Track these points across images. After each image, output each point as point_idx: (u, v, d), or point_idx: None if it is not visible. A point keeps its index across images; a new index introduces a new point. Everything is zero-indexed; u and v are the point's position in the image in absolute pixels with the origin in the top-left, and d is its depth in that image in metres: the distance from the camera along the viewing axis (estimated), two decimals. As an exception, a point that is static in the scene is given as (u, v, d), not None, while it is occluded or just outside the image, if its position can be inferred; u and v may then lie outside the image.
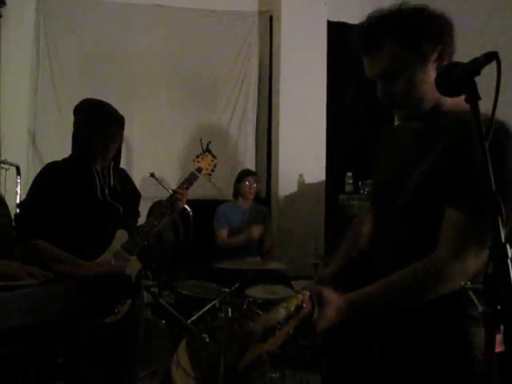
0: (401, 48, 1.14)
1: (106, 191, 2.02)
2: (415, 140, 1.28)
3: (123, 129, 2.07)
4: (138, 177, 3.73)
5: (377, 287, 1.15)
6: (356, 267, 1.44)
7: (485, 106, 0.86)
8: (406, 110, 1.22)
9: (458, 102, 1.02)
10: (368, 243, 1.45)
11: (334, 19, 4.36)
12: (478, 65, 0.84)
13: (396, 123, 1.47)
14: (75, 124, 2.02)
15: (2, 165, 3.56)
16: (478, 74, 0.85)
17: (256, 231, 3.66)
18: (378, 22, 1.18)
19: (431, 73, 1.15)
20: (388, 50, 1.15)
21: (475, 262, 1.04)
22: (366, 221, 1.50)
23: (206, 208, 3.88)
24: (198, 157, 2.40)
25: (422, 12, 1.17)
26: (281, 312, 1.03)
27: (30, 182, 2.04)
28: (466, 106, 0.85)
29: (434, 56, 1.16)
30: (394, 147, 1.39)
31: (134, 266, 1.99)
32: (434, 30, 1.16)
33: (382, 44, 1.15)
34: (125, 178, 2.20)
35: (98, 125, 1.97)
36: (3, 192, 3.49)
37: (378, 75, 1.19)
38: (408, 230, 1.21)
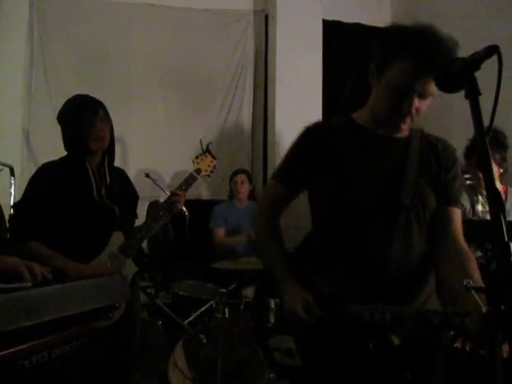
0: None
1: (103, 191, 2.00)
2: (393, 147, 1.35)
3: (105, 109, 2.02)
4: (133, 177, 3.70)
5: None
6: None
7: (482, 104, 0.85)
8: (407, 125, 1.30)
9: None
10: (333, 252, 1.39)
11: (330, 18, 4.36)
12: (478, 59, 0.83)
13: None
14: (61, 124, 2.01)
15: (-4, 166, 3.53)
16: (479, 68, 0.84)
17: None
18: (444, 47, 1.18)
19: None
20: None
21: None
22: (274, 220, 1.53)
23: (202, 208, 3.87)
24: (197, 158, 2.37)
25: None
26: None
27: (24, 182, 2.02)
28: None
29: None
30: (367, 155, 1.36)
31: (129, 269, 1.97)
32: None
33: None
34: (123, 179, 2.17)
35: (77, 106, 1.96)
36: (-3, 193, 3.47)
37: (425, 95, 1.22)
38: (419, 228, 1.31)
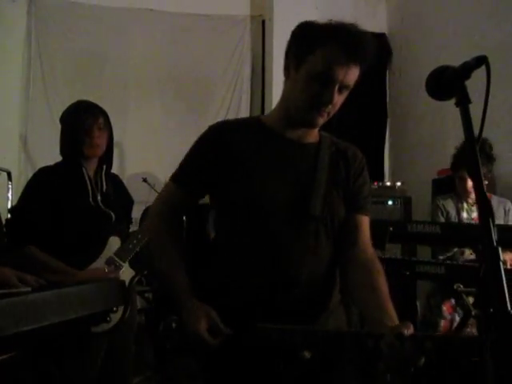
0: (361, 70, 1.21)
1: (99, 197, 2.01)
2: (302, 153, 1.30)
3: (107, 118, 2.04)
4: (130, 181, 3.70)
5: (381, 302, 1.16)
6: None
7: (473, 109, 0.86)
8: (323, 121, 1.24)
9: None
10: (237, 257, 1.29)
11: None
12: (468, 68, 0.85)
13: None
14: (61, 126, 2.03)
15: (-7, 170, 3.54)
16: (469, 77, 0.85)
17: None
18: (367, 40, 1.20)
19: None
20: (359, 69, 1.20)
21: None
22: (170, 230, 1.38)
23: (200, 212, 3.87)
24: None
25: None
26: None
27: (21, 187, 2.03)
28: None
29: None
30: (276, 161, 1.28)
31: (126, 274, 1.98)
32: None
33: (362, 62, 1.19)
34: (118, 184, 2.19)
35: (78, 110, 1.98)
36: (-6, 198, 3.47)
37: (343, 85, 1.19)
38: (327, 240, 1.27)
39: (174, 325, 1.26)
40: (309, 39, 1.23)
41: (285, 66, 1.28)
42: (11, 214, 1.98)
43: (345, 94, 1.22)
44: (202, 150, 1.35)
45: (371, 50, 1.19)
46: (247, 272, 1.25)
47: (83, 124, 1.94)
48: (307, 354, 1.09)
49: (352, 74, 1.19)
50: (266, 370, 1.17)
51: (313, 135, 1.32)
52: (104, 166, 2.07)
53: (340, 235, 1.29)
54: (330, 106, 1.20)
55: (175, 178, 1.40)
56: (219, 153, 1.29)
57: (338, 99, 1.21)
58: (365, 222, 1.33)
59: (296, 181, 1.26)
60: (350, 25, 1.23)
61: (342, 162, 1.33)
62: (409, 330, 0.99)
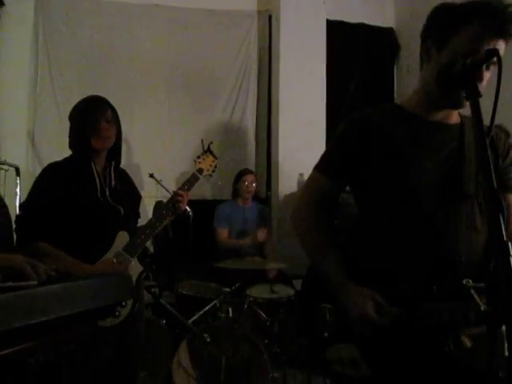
0: (507, 45, 1.16)
1: (107, 192, 2.02)
2: (447, 134, 1.28)
3: (115, 112, 2.05)
4: (137, 176, 3.72)
5: None
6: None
7: (483, 104, 0.86)
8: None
9: None
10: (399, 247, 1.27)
11: (334, 18, 4.36)
12: (478, 62, 0.84)
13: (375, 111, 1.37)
14: (70, 120, 2.05)
15: (2, 166, 3.55)
16: (479, 70, 0.85)
17: (261, 235, 3.66)
18: None
19: None
20: (505, 44, 1.16)
21: None
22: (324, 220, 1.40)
23: (206, 208, 3.88)
24: (199, 157, 2.39)
25: None
26: None
27: (30, 183, 2.04)
28: None
29: None
30: (422, 143, 1.29)
31: (135, 268, 1.99)
32: None
33: (509, 36, 1.15)
34: (126, 179, 2.19)
35: (87, 104, 2.00)
36: (3, 193, 3.49)
37: (491, 62, 1.12)
38: (482, 218, 1.25)
39: (327, 312, 1.29)
40: (451, 19, 1.19)
41: (425, 50, 1.26)
42: (20, 211, 1.99)
43: (491, 71, 1.18)
44: (348, 137, 1.36)
45: None
46: (405, 257, 1.24)
47: (91, 117, 1.96)
48: (468, 342, 1.08)
49: (501, 48, 1.15)
50: (433, 352, 1.15)
51: (454, 116, 1.32)
52: (112, 162, 2.08)
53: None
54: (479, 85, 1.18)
55: (322, 167, 1.41)
56: (367, 139, 1.30)
57: (486, 77, 1.17)
58: None
59: (446, 161, 1.26)
60: (492, 0, 1.17)
61: (488, 142, 1.31)
62: None
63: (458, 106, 1.24)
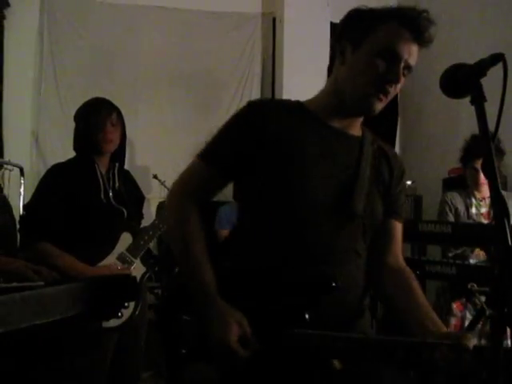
0: (418, 55, 1.13)
1: (111, 194, 2.02)
2: (345, 145, 1.20)
3: (120, 114, 2.06)
4: (141, 177, 3.72)
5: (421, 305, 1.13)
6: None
7: (488, 109, 0.86)
8: (380, 106, 1.15)
9: None
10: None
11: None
12: (483, 66, 0.84)
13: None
14: (75, 122, 2.06)
15: (6, 166, 3.57)
16: (484, 75, 0.85)
17: None
18: (430, 21, 1.11)
19: None
20: (419, 50, 1.12)
21: None
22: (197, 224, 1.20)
23: (208, 209, 3.88)
24: None
25: None
26: None
27: (33, 183, 2.05)
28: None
29: None
30: (320, 148, 1.17)
31: (137, 270, 1.99)
32: None
33: (424, 43, 1.11)
34: (129, 180, 2.20)
35: (92, 106, 2.02)
36: (7, 193, 3.50)
37: (407, 65, 1.11)
38: (365, 240, 1.19)
39: (187, 325, 1.13)
40: (368, 19, 1.14)
41: (339, 51, 1.18)
42: (25, 211, 2.00)
43: (404, 79, 1.13)
44: (237, 126, 1.23)
45: (432, 33, 1.10)
46: (279, 272, 1.10)
47: (96, 119, 1.97)
48: (337, 365, 0.99)
49: (415, 54, 1.11)
50: (299, 380, 1.04)
51: (356, 127, 1.23)
52: (116, 164, 2.09)
53: (374, 238, 1.22)
54: (393, 87, 1.11)
55: (204, 155, 1.24)
56: (256, 131, 1.16)
57: (400, 81, 1.12)
58: (399, 228, 1.27)
59: (338, 174, 1.16)
60: (411, 6, 1.14)
61: (385, 162, 1.25)
62: (470, 342, 0.91)
63: (369, 111, 1.15)
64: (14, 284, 1.20)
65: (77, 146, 2.06)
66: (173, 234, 1.23)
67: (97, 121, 1.97)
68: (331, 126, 1.19)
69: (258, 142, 1.15)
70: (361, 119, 1.21)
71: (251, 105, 1.25)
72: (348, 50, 1.15)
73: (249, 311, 1.07)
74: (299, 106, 1.24)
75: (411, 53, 1.10)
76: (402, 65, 1.10)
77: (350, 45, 1.15)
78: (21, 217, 1.99)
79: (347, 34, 1.17)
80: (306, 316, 1.04)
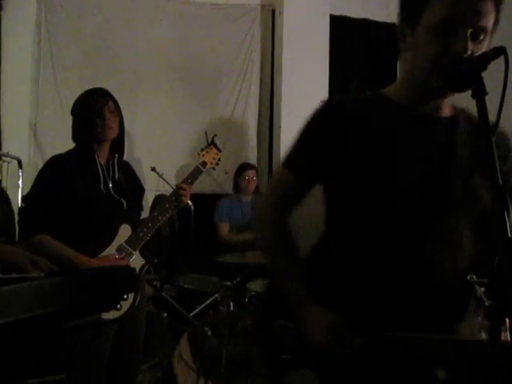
0: (497, 11, 0.97)
1: (110, 185, 2.02)
2: (436, 128, 1.09)
3: (117, 103, 2.06)
4: (140, 170, 3.72)
5: None
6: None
7: (490, 102, 0.86)
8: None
9: None
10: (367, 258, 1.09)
11: (337, 13, 4.35)
12: (485, 59, 0.84)
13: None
14: (73, 113, 2.05)
15: (4, 158, 3.56)
16: (485, 68, 0.85)
17: None
18: None
19: None
20: (494, 5, 0.95)
21: None
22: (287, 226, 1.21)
23: (207, 202, 3.89)
24: (202, 150, 2.39)
25: None
26: None
27: (32, 175, 2.05)
28: None
29: None
30: (403, 137, 1.09)
31: (137, 261, 2.00)
32: None
33: None
34: (129, 172, 2.20)
35: (89, 95, 2.01)
36: (5, 185, 3.50)
37: (477, 28, 0.95)
38: (468, 228, 1.08)
39: (287, 331, 1.12)
40: None
41: (400, 37, 1.09)
42: (24, 203, 2.00)
43: (484, 42, 0.98)
44: (316, 129, 1.17)
45: None
46: (375, 271, 1.06)
47: (94, 107, 1.96)
48: (441, 375, 0.91)
49: (486, 11, 0.94)
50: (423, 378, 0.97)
51: (446, 109, 1.12)
52: (116, 155, 2.08)
53: (482, 224, 1.08)
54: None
55: (289, 163, 1.21)
56: (341, 132, 1.11)
57: (476, 49, 0.96)
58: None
59: (431, 160, 1.07)
60: None
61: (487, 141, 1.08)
62: None
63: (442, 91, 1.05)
64: (14, 275, 1.20)
65: (76, 135, 2.05)
66: (266, 245, 1.24)
67: (94, 107, 1.97)
68: (416, 112, 1.10)
69: (340, 141, 1.11)
70: (447, 100, 1.09)
71: (327, 103, 1.21)
72: (407, 34, 1.06)
73: (342, 314, 1.04)
74: (377, 96, 1.17)
75: (477, 13, 0.94)
76: (469, 31, 0.95)
77: (408, 27, 1.05)
78: (20, 209, 1.99)
79: (403, 13, 1.07)
80: (406, 312, 1.00)
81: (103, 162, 2.04)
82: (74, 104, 2.07)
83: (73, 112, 2.06)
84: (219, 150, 2.40)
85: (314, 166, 1.17)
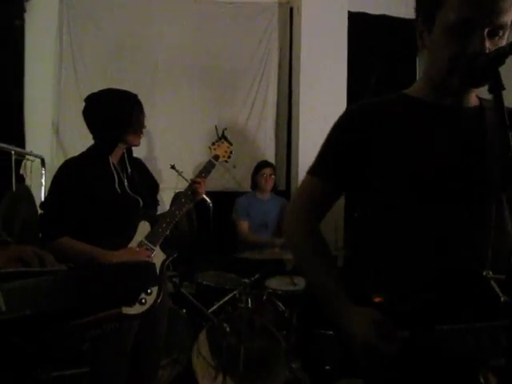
0: None
1: (125, 183, 2.05)
2: (464, 118, 1.09)
3: (141, 106, 2.09)
4: (159, 168, 3.77)
5: None
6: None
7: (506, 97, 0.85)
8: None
9: None
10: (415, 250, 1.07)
11: (355, 10, 4.32)
12: (502, 54, 0.84)
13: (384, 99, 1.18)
14: (88, 112, 2.06)
15: (28, 157, 3.65)
16: (503, 63, 0.84)
17: (279, 243, 3.52)
18: None
19: None
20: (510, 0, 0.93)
21: None
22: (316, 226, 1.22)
23: (226, 200, 3.91)
24: (213, 144, 2.40)
25: None
26: None
27: (54, 173, 2.07)
28: None
29: None
30: (432, 130, 1.10)
31: (158, 257, 2.02)
32: None
33: None
34: (141, 168, 2.22)
35: (127, 102, 2.03)
36: (29, 183, 3.58)
37: (495, 25, 0.93)
38: (504, 221, 1.07)
39: (328, 341, 1.10)
40: None
41: (418, 36, 1.09)
42: (43, 209, 2.01)
43: (504, 37, 0.96)
44: (342, 135, 1.18)
45: None
46: (417, 264, 1.05)
47: (138, 118, 2.02)
48: (492, 379, 0.88)
49: (503, 8, 0.92)
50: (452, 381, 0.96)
51: (471, 99, 1.13)
52: (124, 151, 2.10)
53: None
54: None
55: (316, 170, 1.22)
56: (367, 134, 1.11)
57: (495, 45, 0.95)
58: None
59: (464, 148, 1.07)
60: None
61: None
62: None
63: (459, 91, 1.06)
64: (34, 269, 1.22)
65: (104, 135, 2.03)
66: (298, 257, 1.26)
67: (138, 120, 2.03)
68: (442, 105, 1.10)
69: (368, 143, 1.11)
70: (472, 91, 1.09)
71: (352, 109, 1.20)
72: (425, 34, 1.06)
73: (382, 310, 1.03)
74: (401, 96, 1.18)
75: (493, 11, 0.93)
76: (486, 30, 0.93)
77: (424, 27, 1.05)
78: (39, 215, 2.02)
79: (419, 12, 1.07)
80: (455, 303, 0.97)
81: (116, 161, 2.06)
82: (104, 101, 2.03)
83: (100, 109, 2.03)
84: (230, 144, 2.41)
85: (340, 171, 1.17)
